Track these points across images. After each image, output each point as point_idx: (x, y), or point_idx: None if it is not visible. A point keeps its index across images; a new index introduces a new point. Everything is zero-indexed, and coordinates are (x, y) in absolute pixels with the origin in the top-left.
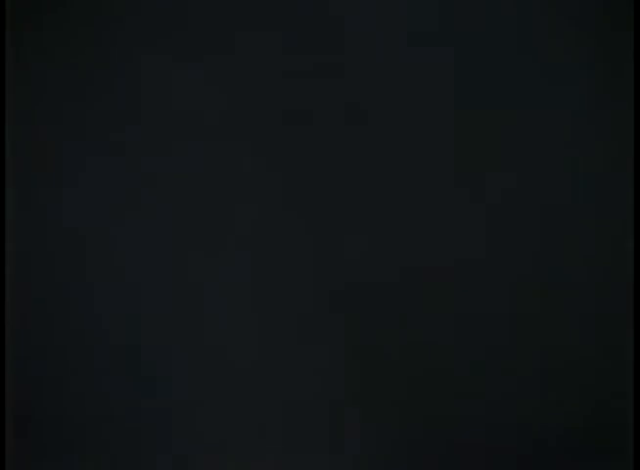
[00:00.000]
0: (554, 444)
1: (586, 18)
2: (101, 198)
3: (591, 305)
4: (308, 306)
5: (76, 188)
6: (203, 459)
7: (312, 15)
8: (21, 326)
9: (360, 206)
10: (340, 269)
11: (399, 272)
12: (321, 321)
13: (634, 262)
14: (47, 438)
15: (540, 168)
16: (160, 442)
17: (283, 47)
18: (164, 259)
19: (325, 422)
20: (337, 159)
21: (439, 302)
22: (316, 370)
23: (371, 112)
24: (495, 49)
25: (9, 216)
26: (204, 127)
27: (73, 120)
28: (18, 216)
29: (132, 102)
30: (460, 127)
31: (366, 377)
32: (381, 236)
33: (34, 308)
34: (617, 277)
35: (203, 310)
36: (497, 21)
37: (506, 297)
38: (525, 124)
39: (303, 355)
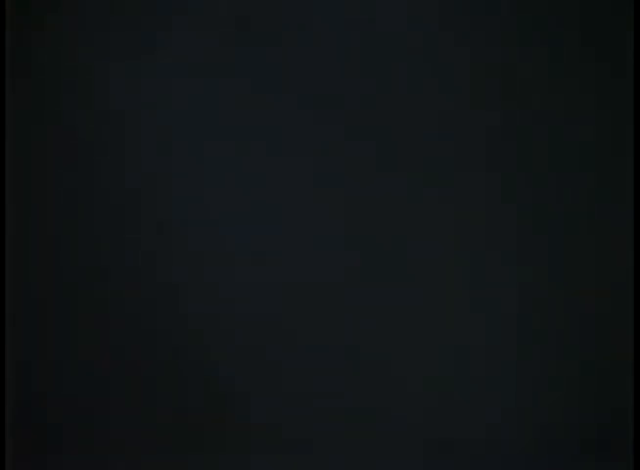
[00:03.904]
0: (554, 444)
1: (586, 18)
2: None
3: (591, 305)
4: None
5: (76, 188)
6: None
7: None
8: (20, 325)
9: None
10: None
11: None
12: None
13: (634, 263)
14: (47, 438)
15: (539, 169)
16: (161, 440)
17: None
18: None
19: None
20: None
21: (435, 299)
22: None
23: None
24: (495, 48)
25: (9, 216)
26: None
27: (74, 120)
28: (17, 217)
29: (133, 101)
30: (458, 126)
31: None
32: None
33: (34, 308)
34: (618, 277)
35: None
36: (497, 21)
37: (505, 297)
38: (524, 125)
39: None
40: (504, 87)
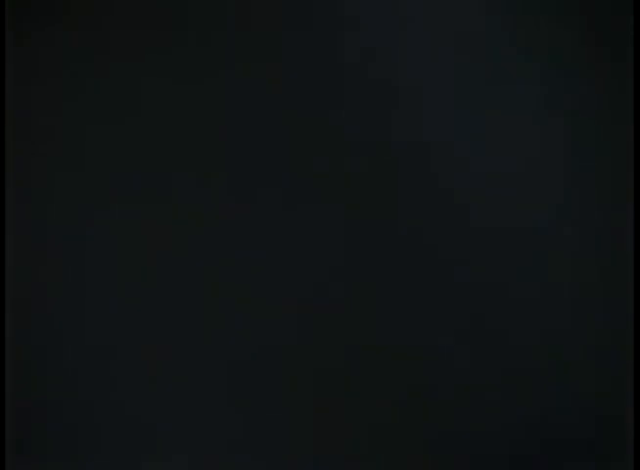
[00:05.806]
0: (553, 445)
1: (586, 17)
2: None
3: (591, 305)
4: None
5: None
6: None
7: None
8: (20, 326)
9: None
10: None
11: None
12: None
13: (634, 262)
14: (47, 439)
15: (540, 167)
16: (159, 443)
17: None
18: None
19: None
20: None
21: (436, 302)
22: None
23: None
24: (495, 49)
25: (9, 218)
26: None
27: (74, 120)
28: (17, 217)
29: (132, 103)
30: (458, 127)
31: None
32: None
33: (34, 308)
34: (617, 277)
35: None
36: (498, 20)
37: (504, 296)
38: (524, 124)
39: None
40: (502, 87)
